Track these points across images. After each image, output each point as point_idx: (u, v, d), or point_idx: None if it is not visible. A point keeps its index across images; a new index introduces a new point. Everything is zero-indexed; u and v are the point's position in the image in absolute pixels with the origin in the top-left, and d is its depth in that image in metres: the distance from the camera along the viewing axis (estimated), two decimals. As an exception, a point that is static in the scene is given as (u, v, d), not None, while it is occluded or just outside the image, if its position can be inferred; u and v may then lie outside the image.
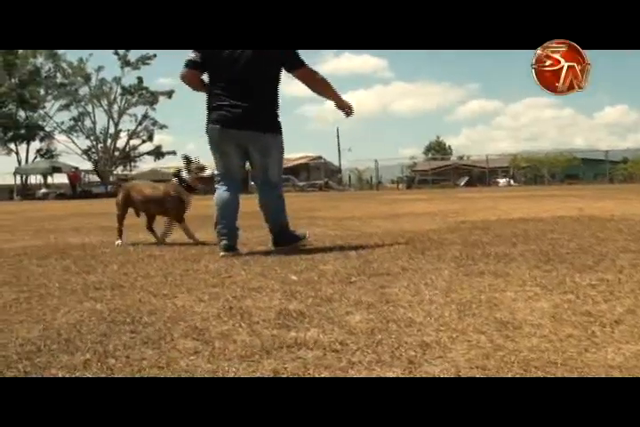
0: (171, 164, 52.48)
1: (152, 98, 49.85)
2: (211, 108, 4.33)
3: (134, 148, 51.60)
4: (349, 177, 47.94)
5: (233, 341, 1.93)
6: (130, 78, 55.79)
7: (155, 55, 48.12)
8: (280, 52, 4.19)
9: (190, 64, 4.34)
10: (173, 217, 5.04)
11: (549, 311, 2.20)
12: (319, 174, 46.88)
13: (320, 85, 4.47)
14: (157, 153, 51.82)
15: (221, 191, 4.38)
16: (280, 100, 4.43)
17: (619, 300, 2.35)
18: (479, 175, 42.46)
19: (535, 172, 41.31)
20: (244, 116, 4.21)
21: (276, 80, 4.37)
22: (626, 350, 1.72)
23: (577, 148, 54.93)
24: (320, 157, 50.85)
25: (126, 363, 1.73)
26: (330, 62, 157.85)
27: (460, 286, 2.69)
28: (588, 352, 1.72)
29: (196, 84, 4.45)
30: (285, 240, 4.39)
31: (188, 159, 4.92)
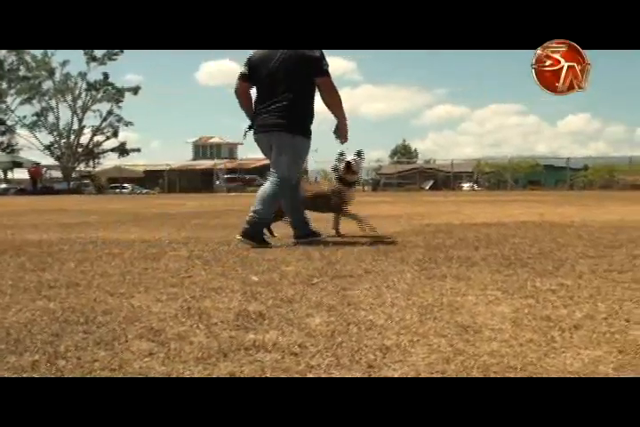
0: (136, 161, 52.02)
1: (118, 94, 49.21)
2: (253, 116, 4.67)
3: (98, 144, 50.86)
4: (316, 178, 47.94)
5: (189, 342, 1.88)
6: (95, 74, 54.99)
7: (122, 51, 47.48)
8: (312, 57, 4.44)
9: (241, 76, 4.71)
10: (339, 211, 5.12)
11: (510, 316, 2.20)
12: (285, 175, 46.60)
13: (334, 100, 4.63)
14: (122, 150, 51.15)
15: (265, 185, 4.69)
16: (309, 101, 4.62)
17: (578, 305, 2.36)
18: (444, 179, 42.85)
19: (499, 177, 41.90)
20: (272, 119, 4.52)
21: (306, 85, 4.54)
22: (584, 356, 1.72)
23: (540, 154, 55.84)
24: (287, 158, 50.67)
25: (77, 365, 1.67)
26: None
27: (422, 290, 2.68)
28: (547, 357, 1.72)
29: (244, 98, 4.78)
30: (303, 235, 4.70)
31: (341, 155, 5.06)
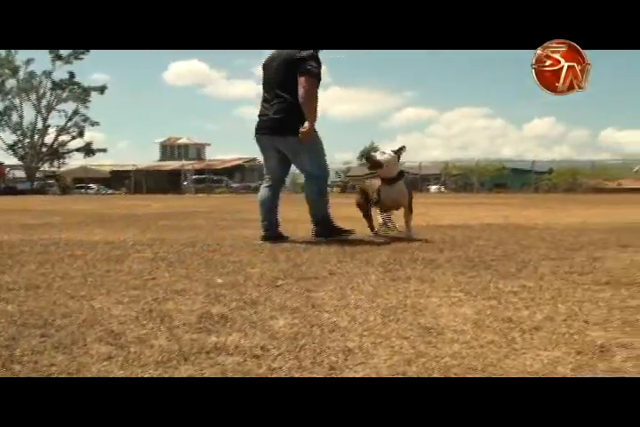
0: (102, 161, 51.36)
1: (84, 93, 48.51)
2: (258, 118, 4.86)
3: (63, 144, 50.03)
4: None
5: (150, 346, 1.85)
6: (61, 72, 54.13)
7: (87, 50, 46.83)
8: (297, 57, 4.53)
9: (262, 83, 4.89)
10: (409, 208, 5.07)
11: (472, 317, 2.22)
12: (254, 176, 46.68)
13: (304, 99, 4.56)
14: (88, 150, 50.39)
15: (263, 190, 4.92)
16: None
17: (539, 306, 2.39)
18: (412, 181, 43.10)
19: (465, 180, 42.35)
20: (270, 121, 4.68)
21: (295, 81, 4.55)
22: (544, 357, 1.74)
23: (506, 157, 56.61)
24: (255, 159, 50.59)
25: (33, 369, 1.63)
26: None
27: (387, 291, 2.68)
28: (507, 359, 1.73)
29: None
30: (326, 232, 4.80)
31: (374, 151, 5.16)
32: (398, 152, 4.96)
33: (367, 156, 5.02)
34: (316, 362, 1.69)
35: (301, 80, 4.54)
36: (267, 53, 4.87)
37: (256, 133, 4.86)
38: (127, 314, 2.27)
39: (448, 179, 44.28)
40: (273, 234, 4.79)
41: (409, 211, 5.01)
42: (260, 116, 4.83)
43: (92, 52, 48.10)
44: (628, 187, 34.43)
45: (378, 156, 4.92)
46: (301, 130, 4.56)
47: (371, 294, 2.64)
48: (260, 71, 4.93)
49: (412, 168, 44.09)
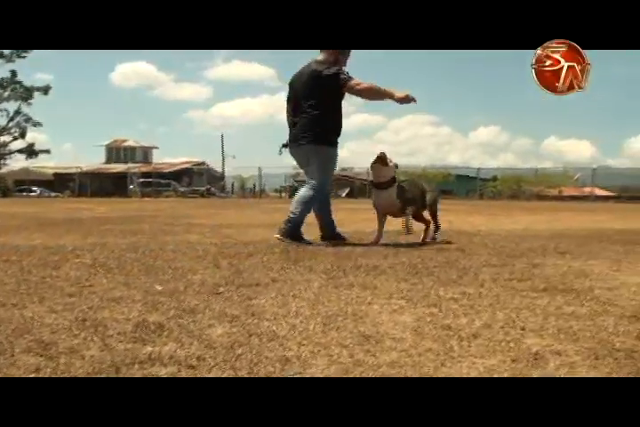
0: (46, 163, 50.03)
1: (26, 93, 47.19)
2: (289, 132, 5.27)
3: (4, 144, 48.53)
4: (232, 184, 47.57)
5: (81, 356, 1.79)
6: (2, 71, 52.49)
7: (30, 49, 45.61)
8: (327, 75, 4.91)
9: (287, 100, 5.30)
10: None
11: (412, 325, 2.23)
12: (202, 180, 46.22)
13: (367, 94, 5.12)
14: (30, 151, 48.99)
15: (301, 190, 5.18)
16: (332, 114, 5.11)
17: (477, 314, 2.42)
18: (360, 187, 43.41)
19: (412, 186, 42.80)
20: (295, 131, 5.13)
21: (325, 99, 4.97)
22: (480, 365, 1.75)
23: (452, 164, 57.62)
24: (203, 163, 50.16)
25: (-46, 382, 1.55)
26: (220, 68, 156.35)
27: (328, 299, 2.67)
28: (444, 367, 1.74)
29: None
30: (329, 236, 5.21)
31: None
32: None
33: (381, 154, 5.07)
34: (253, 372, 1.67)
35: (350, 86, 4.91)
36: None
37: (290, 148, 5.24)
38: (60, 323, 2.19)
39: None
40: (291, 233, 4.95)
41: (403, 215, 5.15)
42: (290, 131, 5.21)
43: (36, 50, 46.84)
44: (569, 194, 35.47)
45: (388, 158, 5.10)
46: (399, 100, 4.90)
47: (312, 301, 2.62)
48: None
49: (359, 174, 44.45)
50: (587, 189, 36.18)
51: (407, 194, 5.14)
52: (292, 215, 4.98)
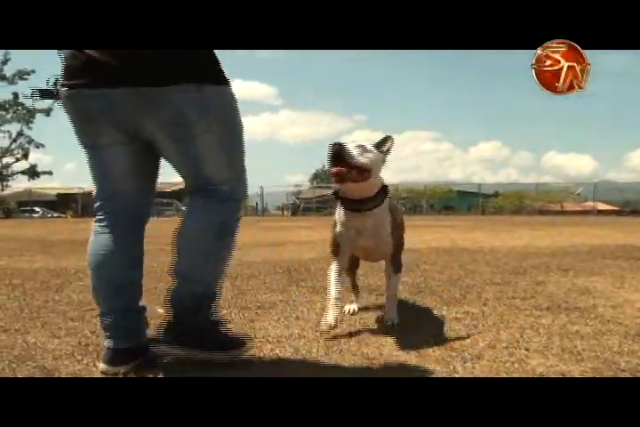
0: (48, 184, 50.18)
1: (28, 115, 47.46)
2: None
3: (7, 166, 48.73)
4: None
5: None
6: (5, 93, 52.89)
7: (33, 71, 45.99)
8: None
9: None
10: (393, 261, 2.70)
11: (415, 346, 2.21)
12: (203, 199, 46.08)
13: None
14: (33, 172, 49.15)
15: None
16: None
17: (481, 334, 2.41)
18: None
19: (415, 202, 42.86)
20: None
21: None
22: (484, 387, 1.74)
23: (453, 180, 57.71)
24: (205, 182, 50.12)
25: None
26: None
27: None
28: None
29: None
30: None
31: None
32: (383, 146, 2.48)
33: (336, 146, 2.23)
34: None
35: None
36: None
37: None
38: (62, 348, 2.19)
39: (398, 201, 44.78)
40: None
41: (392, 266, 2.65)
42: None
43: (38, 72, 47.21)
44: (570, 209, 35.43)
45: (352, 150, 2.27)
46: None
47: (315, 323, 2.61)
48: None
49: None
50: (588, 204, 36.14)
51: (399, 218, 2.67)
52: None
